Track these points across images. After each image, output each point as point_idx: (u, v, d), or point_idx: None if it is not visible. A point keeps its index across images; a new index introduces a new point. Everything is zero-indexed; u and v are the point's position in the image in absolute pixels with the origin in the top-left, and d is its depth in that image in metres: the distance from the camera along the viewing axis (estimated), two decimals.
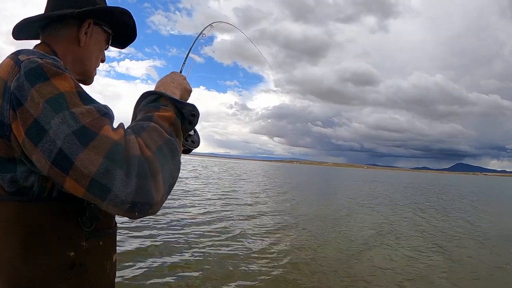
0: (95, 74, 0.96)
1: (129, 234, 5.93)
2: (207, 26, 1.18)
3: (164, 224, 7.05)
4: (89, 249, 0.75)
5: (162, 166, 0.64)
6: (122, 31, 0.98)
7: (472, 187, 39.10)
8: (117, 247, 0.88)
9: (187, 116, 0.77)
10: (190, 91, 0.93)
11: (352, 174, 73.56)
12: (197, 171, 30.19)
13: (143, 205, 0.60)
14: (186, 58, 1.07)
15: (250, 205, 11.17)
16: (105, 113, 0.66)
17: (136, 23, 0.97)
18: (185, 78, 0.94)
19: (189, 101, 0.93)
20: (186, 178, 19.78)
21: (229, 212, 9.43)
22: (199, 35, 1.15)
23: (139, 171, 0.60)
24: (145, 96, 0.78)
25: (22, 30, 0.86)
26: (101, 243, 0.78)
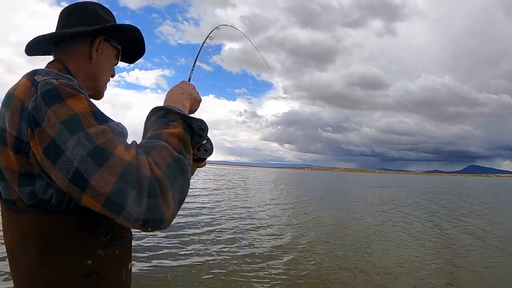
0: (106, 89, 0.98)
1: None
2: (214, 29, 1.19)
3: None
4: (106, 257, 0.76)
5: (171, 184, 0.66)
6: (131, 47, 1.01)
7: (494, 189, 37.84)
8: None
9: (197, 130, 0.79)
10: (200, 101, 0.94)
11: (369, 179, 71.24)
12: (218, 180, 29.82)
13: (154, 222, 0.63)
14: (194, 64, 1.08)
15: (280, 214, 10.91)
16: (119, 132, 0.68)
17: (144, 37, 1.00)
18: (194, 88, 0.95)
19: (199, 109, 0.94)
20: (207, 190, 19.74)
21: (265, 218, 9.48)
22: (206, 38, 1.15)
23: (150, 191, 0.62)
24: (155, 111, 0.79)
25: (34, 47, 0.89)
26: (117, 251, 0.80)
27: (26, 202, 0.72)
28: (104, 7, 0.95)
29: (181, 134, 0.74)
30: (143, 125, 0.81)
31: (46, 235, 0.71)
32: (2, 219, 0.77)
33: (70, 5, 0.92)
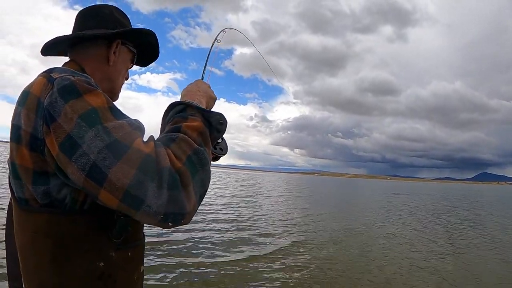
0: (120, 91, 0.99)
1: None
2: (220, 32, 1.22)
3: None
4: (118, 260, 0.75)
5: (192, 176, 0.65)
6: (145, 50, 1.02)
7: None
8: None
9: (215, 124, 0.77)
10: (215, 99, 0.93)
11: (383, 186, 69.47)
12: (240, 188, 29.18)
13: (175, 216, 0.62)
14: (205, 65, 1.10)
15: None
16: (137, 127, 0.68)
17: (159, 43, 1.01)
18: (209, 87, 0.95)
19: (213, 109, 0.93)
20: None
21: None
22: (214, 41, 1.18)
23: (170, 183, 0.61)
24: (173, 106, 0.78)
25: (50, 47, 0.89)
26: (129, 254, 0.78)
27: (39, 202, 0.71)
28: (120, 10, 0.96)
29: (200, 128, 0.73)
30: (160, 122, 0.80)
31: (58, 236, 0.70)
32: (14, 219, 0.77)
33: (87, 7, 0.93)
